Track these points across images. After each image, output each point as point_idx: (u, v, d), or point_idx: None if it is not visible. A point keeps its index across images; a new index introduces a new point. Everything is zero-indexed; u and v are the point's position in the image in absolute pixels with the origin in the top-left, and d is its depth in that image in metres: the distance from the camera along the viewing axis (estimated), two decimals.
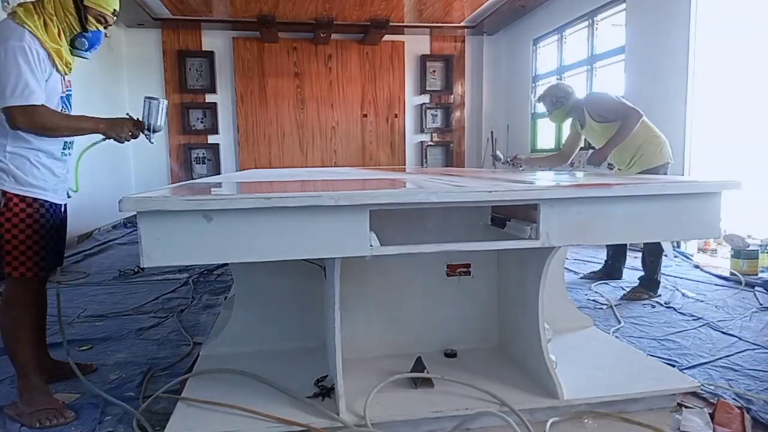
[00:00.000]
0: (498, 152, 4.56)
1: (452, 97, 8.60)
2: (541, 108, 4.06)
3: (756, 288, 3.38)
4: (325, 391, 1.81)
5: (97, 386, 2.08)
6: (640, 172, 3.26)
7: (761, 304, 3.09)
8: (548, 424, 1.71)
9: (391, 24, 7.58)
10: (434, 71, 8.56)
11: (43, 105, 1.78)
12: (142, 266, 1.41)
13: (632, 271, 4.03)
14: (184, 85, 7.82)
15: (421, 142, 8.62)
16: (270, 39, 7.76)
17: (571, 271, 4.03)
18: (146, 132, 1.98)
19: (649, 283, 3.34)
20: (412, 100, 8.53)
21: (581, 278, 3.86)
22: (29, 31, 1.77)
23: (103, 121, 1.93)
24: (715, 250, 4.50)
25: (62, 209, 2.03)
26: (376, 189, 1.58)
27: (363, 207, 1.46)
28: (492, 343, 2.28)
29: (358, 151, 8.40)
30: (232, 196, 1.44)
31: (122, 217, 6.95)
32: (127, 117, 1.99)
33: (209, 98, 7.94)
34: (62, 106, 1.95)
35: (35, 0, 1.87)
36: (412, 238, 1.67)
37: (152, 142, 2.04)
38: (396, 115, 8.46)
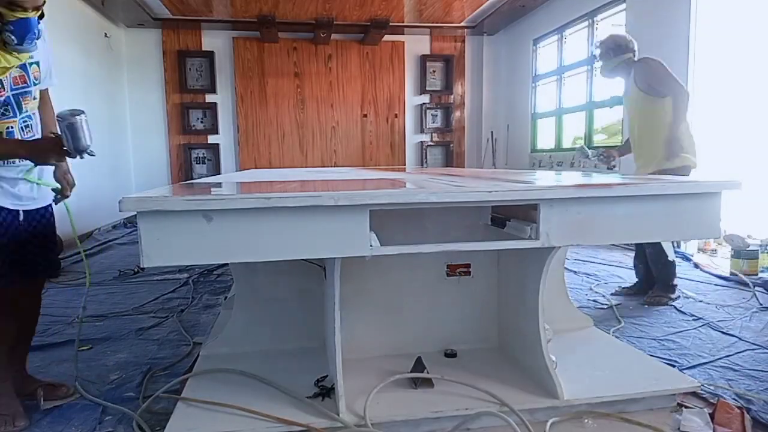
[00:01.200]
0: (585, 147, 3.97)
1: (452, 97, 8.60)
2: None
3: (756, 288, 3.38)
4: (325, 391, 1.81)
5: (97, 386, 2.08)
6: (663, 171, 3.00)
7: (761, 304, 3.09)
8: (548, 424, 1.71)
9: (391, 24, 7.58)
10: (434, 71, 8.56)
11: None
12: (142, 266, 1.41)
13: (632, 271, 4.03)
14: (184, 85, 7.82)
15: (421, 142, 8.62)
16: (270, 39, 7.76)
17: (571, 271, 4.03)
18: (74, 154, 1.73)
19: (666, 287, 3.16)
20: (412, 100, 8.53)
21: (612, 294, 3.40)
22: None
23: (24, 146, 1.76)
24: (715, 250, 4.50)
25: (34, 215, 1.90)
26: (376, 189, 1.58)
27: (363, 207, 1.46)
28: (492, 343, 2.28)
29: (358, 151, 8.41)
30: (232, 196, 1.44)
31: (122, 217, 6.95)
32: (52, 136, 1.76)
33: (209, 98, 7.94)
34: (6, 108, 1.77)
35: None
36: (412, 238, 1.67)
37: (91, 155, 1.79)
38: (396, 115, 8.46)
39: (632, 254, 4.01)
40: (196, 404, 1.76)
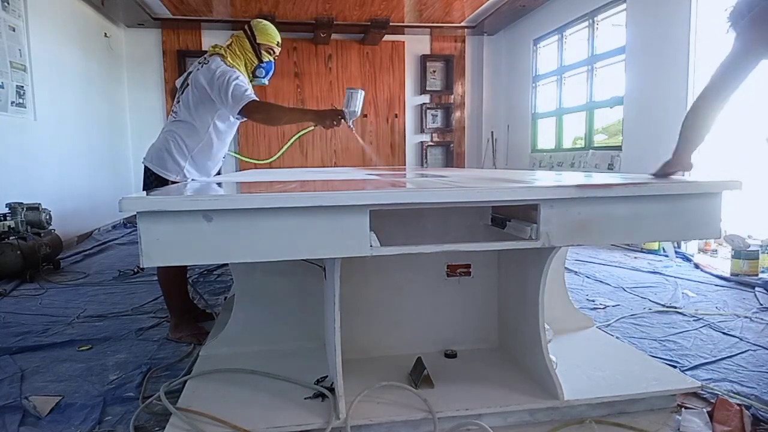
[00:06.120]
0: None
1: (452, 97, 8.60)
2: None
3: (756, 288, 3.38)
4: (325, 391, 1.80)
5: (97, 386, 2.08)
6: None
7: (761, 305, 3.08)
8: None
9: (391, 24, 7.58)
10: (434, 71, 8.56)
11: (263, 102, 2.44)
12: (142, 266, 1.40)
13: (632, 272, 4.03)
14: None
15: (421, 142, 8.62)
16: None
17: (571, 271, 4.03)
18: (347, 119, 2.43)
19: None
20: (412, 100, 8.53)
21: None
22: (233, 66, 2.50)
23: (310, 113, 2.55)
24: (716, 250, 4.50)
25: None
26: (376, 189, 1.58)
27: (363, 207, 1.46)
28: (492, 344, 2.28)
29: (358, 152, 8.40)
30: (232, 196, 1.44)
31: (122, 217, 6.95)
32: (332, 108, 2.49)
33: None
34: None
35: (227, 45, 2.59)
36: (412, 238, 1.66)
37: (351, 127, 2.49)
38: (396, 115, 8.46)
39: (632, 254, 4.00)
40: (190, 418, 1.68)
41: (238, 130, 7.96)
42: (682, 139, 2.08)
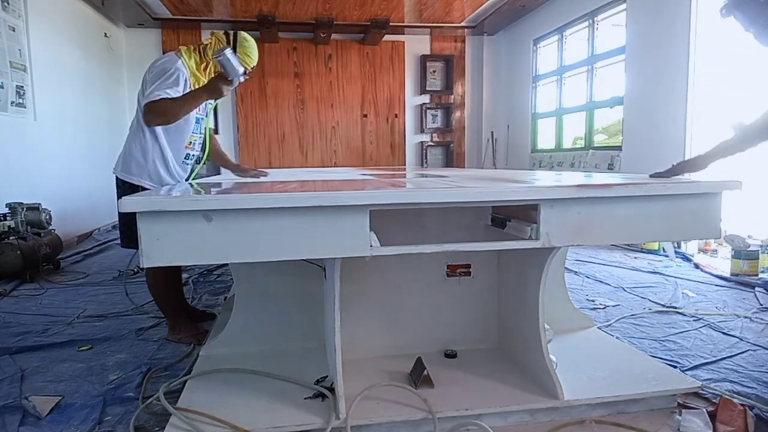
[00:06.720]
0: None
1: (452, 97, 8.60)
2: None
3: (756, 288, 3.38)
4: (325, 391, 1.80)
5: (97, 387, 2.08)
6: None
7: (761, 305, 3.08)
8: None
9: (391, 24, 7.58)
10: (434, 71, 8.56)
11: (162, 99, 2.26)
12: (141, 266, 1.40)
13: (632, 272, 4.03)
14: None
15: (421, 142, 8.62)
16: (270, 39, 7.76)
17: (571, 271, 4.03)
18: (237, 80, 2.31)
19: None
20: (412, 100, 8.53)
21: None
22: (183, 62, 2.41)
23: (201, 91, 2.33)
24: (716, 250, 4.50)
25: None
26: (376, 189, 1.58)
27: (363, 207, 1.46)
28: (492, 344, 2.28)
29: (358, 152, 8.40)
30: (232, 196, 1.44)
31: None
32: (216, 76, 2.33)
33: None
34: (195, 125, 2.55)
35: (203, 45, 2.49)
36: (412, 238, 1.66)
37: (241, 80, 2.36)
38: (396, 115, 8.46)
39: (632, 254, 4.00)
40: (189, 418, 1.68)
41: (238, 130, 8.00)
42: (715, 151, 2.03)
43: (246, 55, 2.45)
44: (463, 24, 8.03)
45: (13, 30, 4.71)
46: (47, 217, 4.38)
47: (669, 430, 1.71)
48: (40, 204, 4.35)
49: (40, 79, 5.05)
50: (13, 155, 4.62)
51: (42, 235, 4.23)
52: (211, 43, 2.49)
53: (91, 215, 6.06)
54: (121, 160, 2.47)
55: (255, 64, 2.52)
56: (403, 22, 7.77)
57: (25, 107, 4.84)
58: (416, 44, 8.37)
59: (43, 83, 5.10)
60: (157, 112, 2.28)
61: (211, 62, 2.46)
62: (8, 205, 4.14)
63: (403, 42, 8.32)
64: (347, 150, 8.37)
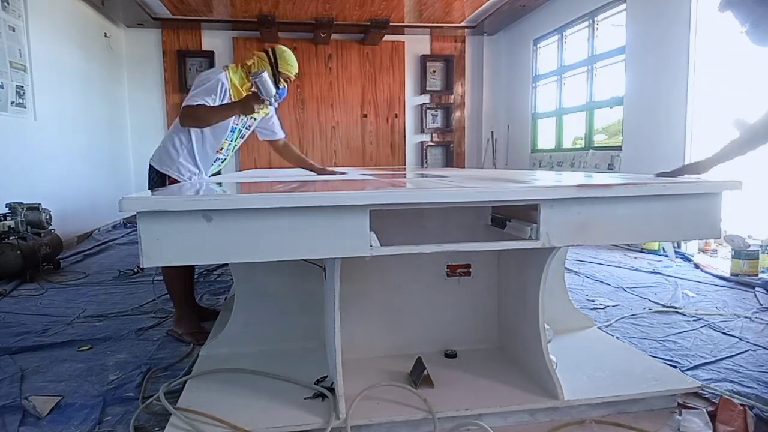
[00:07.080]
0: None
1: (452, 97, 8.60)
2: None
3: (756, 288, 3.38)
4: (325, 391, 1.80)
5: (97, 387, 2.08)
6: None
7: (761, 305, 3.08)
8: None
9: (391, 24, 7.58)
10: (434, 71, 8.56)
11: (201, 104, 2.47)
12: (142, 266, 1.40)
13: (632, 272, 4.03)
14: (184, 85, 7.79)
15: (421, 142, 8.62)
16: (270, 39, 7.75)
17: (571, 271, 4.03)
18: (269, 101, 2.54)
19: None
20: (412, 100, 8.53)
21: None
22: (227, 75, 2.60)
23: (235, 105, 2.53)
24: (716, 250, 4.50)
25: None
26: (376, 189, 1.58)
27: (363, 207, 1.46)
28: (492, 344, 2.28)
29: (358, 152, 8.40)
30: (232, 196, 1.44)
31: (122, 217, 6.95)
32: (251, 95, 2.52)
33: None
34: (229, 133, 2.71)
35: (248, 63, 2.69)
36: (412, 238, 1.66)
37: (275, 106, 2.77)
38: (396, 115, 8.45)
39: (632, 254, 4.00)
40: (189, 418, 1.67)
41: None
42: (720, 153, 2.06)
43: (287, 64, 2.70)
44: (463, 24, 8.02)
45: (13, 30, 4.71)
46: (47, 217, 4.38)
47: (669, 430, 1.71)
48: (40, 204, 4.35)
49: (40, 79, 5.05)
50: (13, 155, 4.62)
51: (42, 235, 4.23)
52: (254, 62, 2.69)
53: (91, 215, 6.06)
54: (157, 152, 2.71)
55: (296, 71, 2.77)
56: (403, 22, 7.77)
57: (25, 107, 4.84)
58: (416, 44, 8.37)
59: (43, 83, 5.09)
60: (192, 116, 2.50)
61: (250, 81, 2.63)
62: (8, 205, 4.14)
63: (403, 42, 8.31)
64: (347, 150, 8.37)
